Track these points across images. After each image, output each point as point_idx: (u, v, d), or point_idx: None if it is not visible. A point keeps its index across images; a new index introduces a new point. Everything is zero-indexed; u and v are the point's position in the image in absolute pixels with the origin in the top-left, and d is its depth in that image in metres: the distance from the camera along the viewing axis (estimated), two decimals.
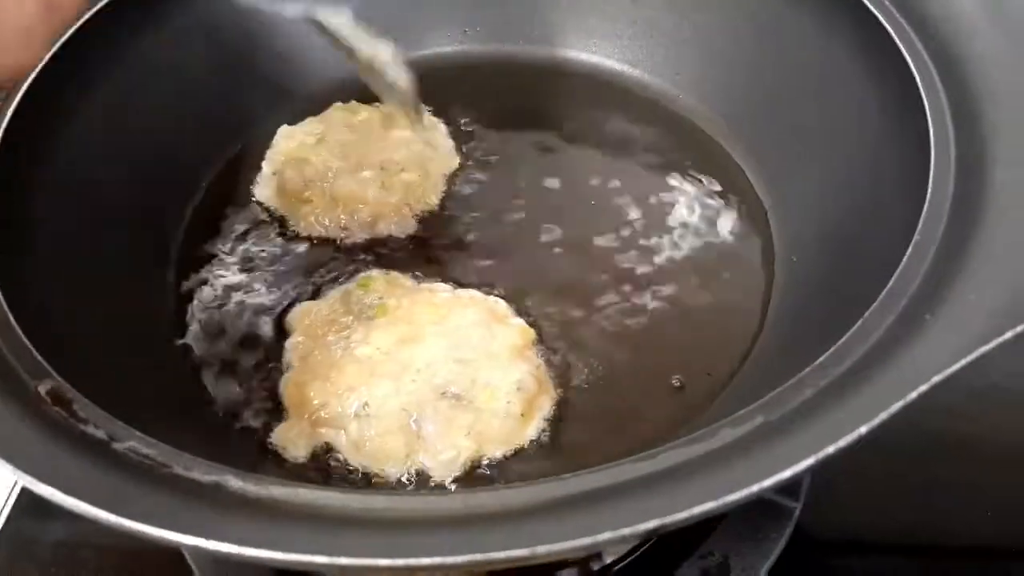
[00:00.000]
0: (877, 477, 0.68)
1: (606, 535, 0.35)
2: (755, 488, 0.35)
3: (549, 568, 0.59)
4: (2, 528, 0.71)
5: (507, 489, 0.39)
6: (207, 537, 0.35)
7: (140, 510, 0.36)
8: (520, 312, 0.65)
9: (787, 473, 0.36)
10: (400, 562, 0.34)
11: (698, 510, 0.35)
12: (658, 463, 0.39)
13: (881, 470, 0.68)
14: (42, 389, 0.44)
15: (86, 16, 0.64)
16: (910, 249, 0.48)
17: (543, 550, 0.34)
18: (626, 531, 0.34)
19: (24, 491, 0.72)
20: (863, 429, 0.37)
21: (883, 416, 0.38)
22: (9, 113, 0.58)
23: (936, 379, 0.39)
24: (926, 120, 0.56)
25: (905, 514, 0.69)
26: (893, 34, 0.61)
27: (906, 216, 0.52)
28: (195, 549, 0.35)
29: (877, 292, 0.47)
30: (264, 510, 0.38)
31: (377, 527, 0.37)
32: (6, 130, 0.57)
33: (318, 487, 0.40)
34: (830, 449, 0.36)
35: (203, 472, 0.40)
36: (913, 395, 0.38)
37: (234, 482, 0.39)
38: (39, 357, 0.46)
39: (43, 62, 0.60)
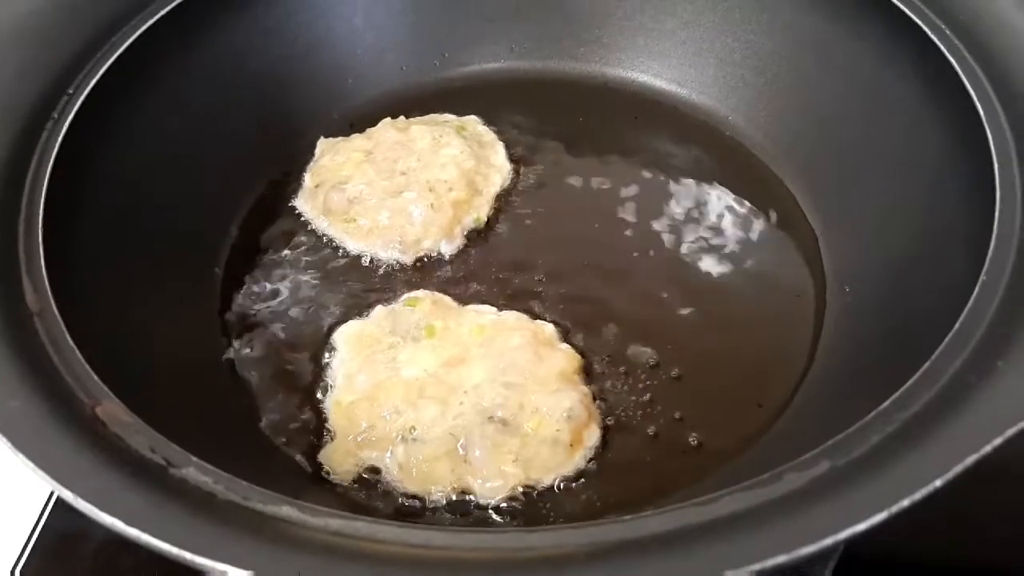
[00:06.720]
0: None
1: None
2: (828, 541, 0.34)
3: None
4: (43, 529, 0.70)
5: (563, 530, 0.39)
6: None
7: (201, 542, 0.36)
8: (566, 337, 0.64)
9: (860, 527, 0.35)
10: None
11: (771, 562, 0.34)
12: (721, 508, 0.38)
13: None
14: (99, 411, 0.44)
15: (151, 22, 0.65)
16: (977, 289, 0.47)
17: None
18: None
19: None
20: (938, 482, 0.36)
21: (957, 469, 0.37)
22: (67, 123, 0.58)
23: (1011, 431, 0.38)
24: (988, 147, 0.54)
25: (958, 536, 0.67)
26: (951, 58, 0.59)
27: (969, 251, 0.51)
28: None
29: (941, 331, 0.46)
30: (324, 543, 0.38)
31: (435, 565, 0.37)
32: (64, 138, 0.57)
33: (375, 520, 0.39)
34: (904, 503, 0.36)
35: (261, 502, 0.40)
36: (987, 448, 0.38)
37: (292, 513, 0.39)
38: (96, 378, 0.46)
39: (106, 66, 0.61)
